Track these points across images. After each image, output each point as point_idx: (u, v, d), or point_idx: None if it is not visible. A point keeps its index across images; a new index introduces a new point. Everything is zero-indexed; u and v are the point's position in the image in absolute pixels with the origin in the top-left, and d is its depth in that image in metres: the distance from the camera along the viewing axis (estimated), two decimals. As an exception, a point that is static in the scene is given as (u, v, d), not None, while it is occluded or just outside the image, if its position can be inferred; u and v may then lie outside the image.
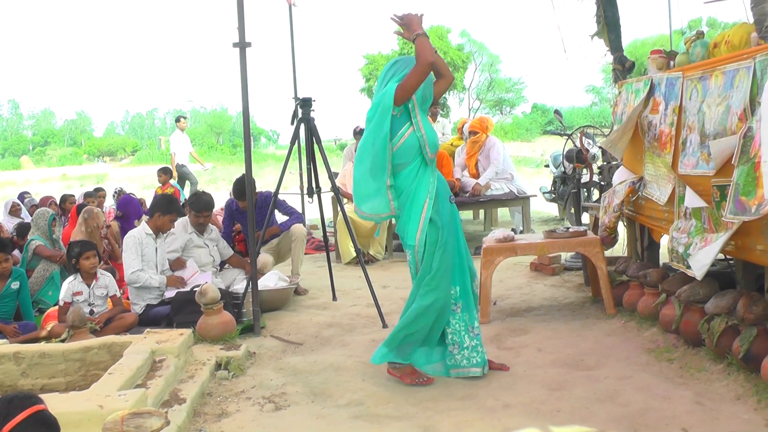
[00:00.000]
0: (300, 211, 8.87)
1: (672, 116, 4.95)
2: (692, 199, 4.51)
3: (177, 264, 6.62)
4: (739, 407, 3.79)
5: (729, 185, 3.95)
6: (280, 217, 7.81)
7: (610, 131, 6.35)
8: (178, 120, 16.19)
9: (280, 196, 7.06)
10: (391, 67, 4.49)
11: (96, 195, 10.96)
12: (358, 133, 10.79)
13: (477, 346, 4.59)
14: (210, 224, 6.99)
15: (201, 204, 6.82)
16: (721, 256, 4.67)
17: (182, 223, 6.79)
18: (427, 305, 4.41)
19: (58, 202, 10.37)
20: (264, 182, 21.04)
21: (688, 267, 4.47)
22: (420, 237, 4.39)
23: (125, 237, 6.41)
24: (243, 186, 6.15)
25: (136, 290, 6.19)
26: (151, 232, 6.34)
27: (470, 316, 4.58)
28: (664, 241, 5.32)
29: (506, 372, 4.65)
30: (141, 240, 6.26)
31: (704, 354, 4.49)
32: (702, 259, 4.27)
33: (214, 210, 7.12)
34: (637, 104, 5.68)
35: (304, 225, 7.96)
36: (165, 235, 6.56)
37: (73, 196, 10.91)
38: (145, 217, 8.23)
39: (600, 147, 7.48)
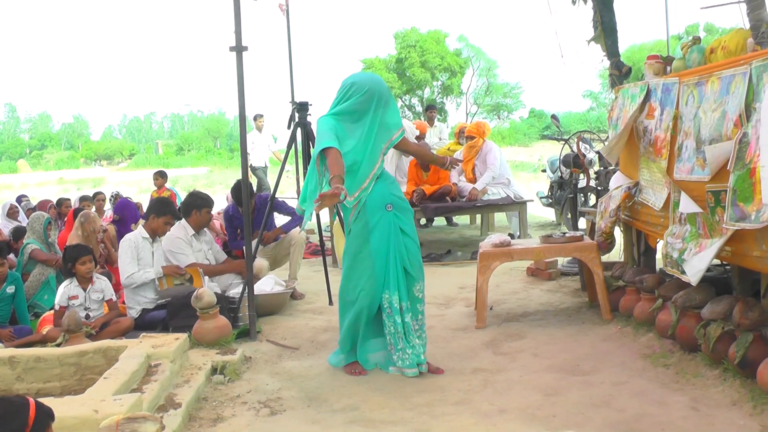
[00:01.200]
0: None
1: (668, 122, 4.96)
2: (687, 205, 4.52)
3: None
4: (734, 413, 3.79)
5: (723, 191, 3.96)
6: (280, 219, 7.83)
7: (608, 137, 6.36)
8: (255, 119, 15.10)
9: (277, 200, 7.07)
10: (348, 89, 4.77)
11: (94, 199, 10.97)
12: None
13: (405, 348, 4.78)
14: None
15: (206, 201, 6.80)
16: (717, 261, 4.67)
17: (182, 228, 6.74)
18: (357, 311, 4.82)
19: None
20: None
21: (683, 272, 4.47)
22: (344, 248, 4.89)
23: (121, 241, 6.39)
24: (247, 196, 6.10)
25: (133, 294, 6.18)
26: (147, 235, 6.34)
27: (396, 321, 4.80)
28: (661, 247, 5.32)
29: (502, 377, 4.65)
30: (137, 244, 6.25)
31: (700, 360, 4.49)
32: (696, 264, 4.28)
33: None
34: (633, 111, 5.69)
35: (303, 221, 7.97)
36: (176, 239, 6.54)
37: (69, 199, 10.91)
38: (141, 221, 8.23)
39: (597, 152, 7.50)
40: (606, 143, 6.27)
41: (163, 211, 6.43)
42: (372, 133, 4.77)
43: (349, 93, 4.74)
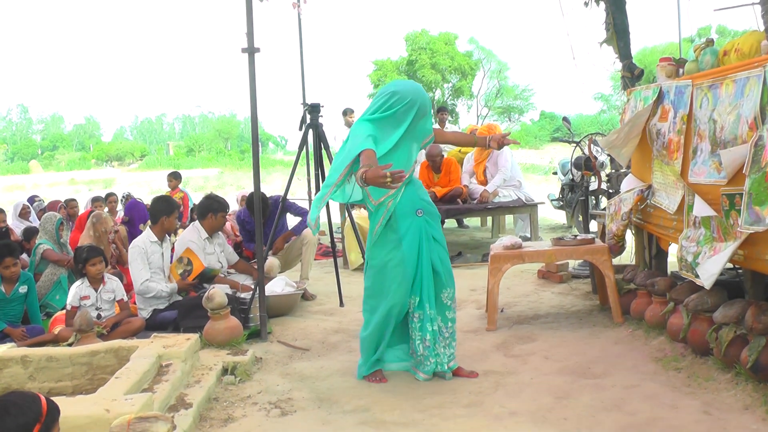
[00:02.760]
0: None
1: (681, 124, 4.94)
2: (701, 208, 4.49)
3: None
4: (747, 417, 3.77)
5: (738, 194, 3.94)
6: (292, 220, 7.86)
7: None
8: (345, 114, 13.98)
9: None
10: (390, 97, 4.61)
11: (107, 200, 11.01)
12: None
13: (428, 356, 4.71)
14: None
15: (222, 206, 6.81)
16: (730, 265, 4.65)
17: (196, 230, 6.77)
18: (385, 318, 4.73)
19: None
20: (272, 188, 21.07)
21: (697, 276, 4.45)
22: (367, 257, 4.84)
23: (130, 247, 6.37)
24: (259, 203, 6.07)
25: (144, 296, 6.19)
26: (155, 239, 6.33)
27: (425, 328, 4.72)
28: (672, 250, 5.30)
29: (513, 380, 4.64)
30: (146, 248, 6.24)
31: (712, 363, 4.47)
32: (710, 268, 4.26)
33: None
34: (642, 109, 5.67)
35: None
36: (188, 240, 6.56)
37: (75, 200, 10.95)
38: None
39: (608, 154, 7.47)
40: (606, 136, 6.22)
41: (170, 209, 6.43)
42: (408, 141, 4.67)
43: (391, 102, 4.58)
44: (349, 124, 13.64)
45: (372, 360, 4.83)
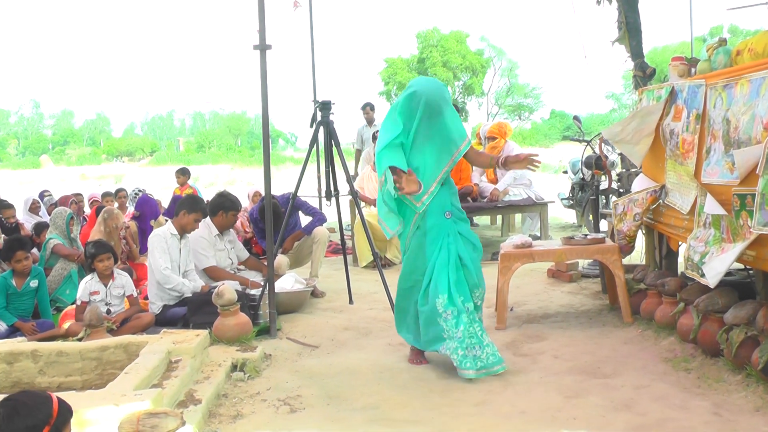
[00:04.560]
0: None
1: (695, 124, 4.92)
2: (712, 206, 4.47)
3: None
4: (758, 419, 3.75)
5: (749, 194, 3.93)
6: (303, 219, 7.86)
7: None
8: (364, 108, 12.80)
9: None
10: (404, 90, 4.78)
11: (116, 195, 11.05)
12: (375, 139, 10.71)
13: (473, 349, 4.71)
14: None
15: (234, 204, 6.84)
16: (741, 266, 4.63)
17: (207, 226, 6.79)
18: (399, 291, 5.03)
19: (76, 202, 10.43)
20: (282, 184, 20.99)
21: (702, 275, 4.44)
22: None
23: (151, 236, 6.37)
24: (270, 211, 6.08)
25: (158, 290, 6.18)
26: (176, 232, 6.31)
27: (460, 321, 4.73)
28: (683, 250, 5.28)
29: (522, 379, 4.63)
30: (167, 240, 6.24)
31: (722, 364, 4.45)
32: (716, 266, 4.24)
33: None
34: (652, 104, 5.64)
35: (326, 221, 8.01)
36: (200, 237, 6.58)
37: (81, 194, 11.03)
38: (162, 218, 8.25)
39: (620, 154, 7.43)
40: (610, 127, 6.19)
41: (195, 208, 6.39)
42: (430, 144, 4.78)
43: (404, 96, 4.78)
44: (368, 120, 12.97)
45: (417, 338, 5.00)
